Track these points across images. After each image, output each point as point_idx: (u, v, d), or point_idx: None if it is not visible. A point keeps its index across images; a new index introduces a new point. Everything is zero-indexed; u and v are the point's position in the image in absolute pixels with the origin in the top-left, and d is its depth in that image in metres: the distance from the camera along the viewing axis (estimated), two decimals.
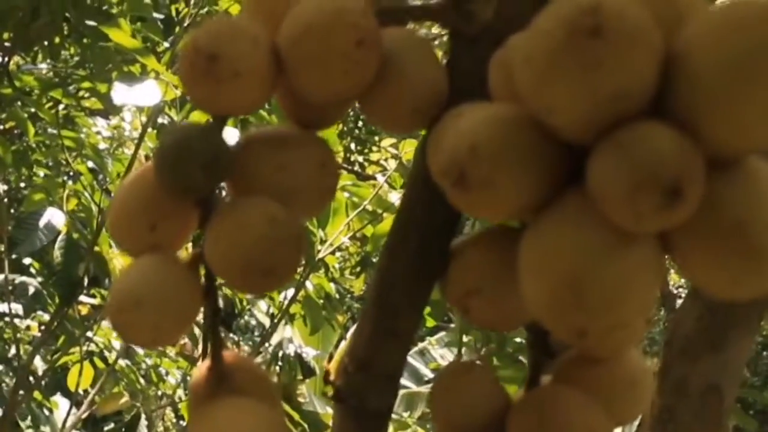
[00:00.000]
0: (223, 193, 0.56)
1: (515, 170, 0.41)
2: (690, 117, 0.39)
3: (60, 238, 2.28)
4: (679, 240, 0.41)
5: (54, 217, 2.30)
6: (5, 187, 2.84)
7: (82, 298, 3.15)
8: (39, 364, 3.34)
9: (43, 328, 2.84)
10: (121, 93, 1.87)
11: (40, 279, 2.92)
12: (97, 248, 2.24)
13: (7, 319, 3.30)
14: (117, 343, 2.69)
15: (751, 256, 0.39)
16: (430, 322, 2.32)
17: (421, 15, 0.58)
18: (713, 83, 0.37)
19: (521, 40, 0.42)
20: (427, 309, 2.68)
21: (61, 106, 2.75)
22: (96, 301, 3.15)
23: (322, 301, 2.46)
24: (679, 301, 1.04)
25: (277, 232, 0.51)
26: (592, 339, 0.41)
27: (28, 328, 3.22)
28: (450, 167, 0.42)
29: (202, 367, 0.55)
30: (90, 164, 2.75)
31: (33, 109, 2.63)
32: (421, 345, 3.37)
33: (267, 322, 3.01)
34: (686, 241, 0.40)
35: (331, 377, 0.60)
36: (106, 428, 3.24)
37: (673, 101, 0.39)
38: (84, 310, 3.16)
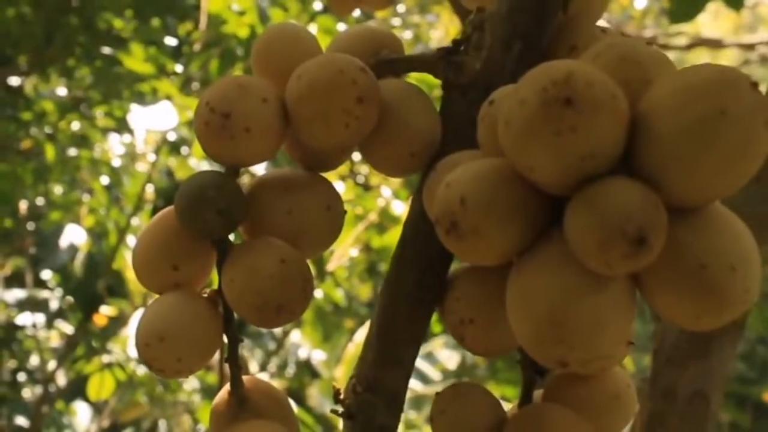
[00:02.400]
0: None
1: (502, 220, 0.45)
2: (653, 173, 0.42)
3: (79, 253, 2.32)
4: (646, 280, 0.44)
5: (74, 234, 2.34)
6: (26, 205, 2.90)
7: (100, 310, 3.19)
8: (60, 374, 3.38)
9: (64, 340, 2.88)
10: (137, 116, 1.91)
11: (60, 292, 2.96)
12: (114, 264, 2.28)
13: (28, 331, 3.35)
14: (135, 353, 2.72)
15: (711, 294, 0.42)
16: (437, 328, 2.36)
17: (415, 66, 0.62)
18: (672, 145, 0.41)
19: (504, 100, 0.46)
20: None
21: (76, 126, 2.79)
22: (114, 313, 3.20)
23: (331, 309, 2.50)
24: None
25: (287, 272, 0.55)
26: (575, 368, 0.44)
27: (47, 339, 3.27)
28: (442, 217, 0.46)
29: (222, 392, 0.59)
30: (105, 181, 2.80)
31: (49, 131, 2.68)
32: (427, 347, 3.41)
33: (278, 328, 3.04)
34: (653, 281, 0.44)
35: (341, 396, 0.64)
36: None
37: (638, 158, 0.43)
38: (102, 321, 3.21)
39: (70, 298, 2.47)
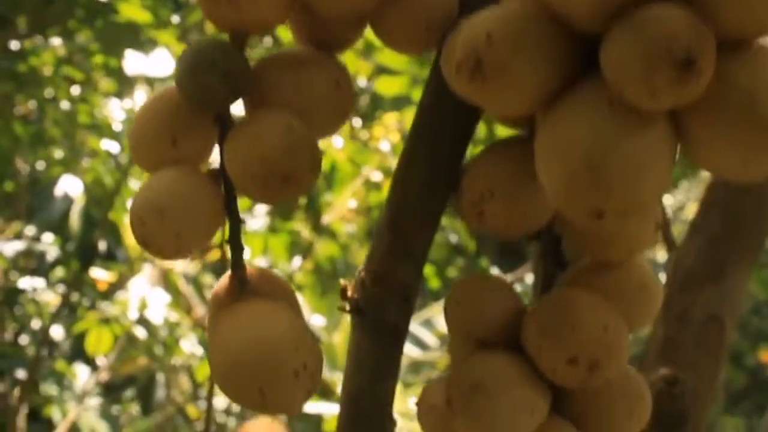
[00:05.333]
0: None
1: (531, 55, 0.40)
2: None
3: (76, 205, 2.26)
4: (690, 122, 0.40)
5: (70, 185, 2.29)
6: (28, 168, 2.85)
7: (99, 275, 3.15)
8: (59, 331, 3.34)
9: (61, 293, 2.84)
10: (133, 63, 1.86)
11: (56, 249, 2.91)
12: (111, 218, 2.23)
13: (29, 295, 3.31)
14: (134, 312, 2.68)
15: (761, 129, 0.38)
16: (434, 283, 2.31)
17: None
18: None
19: None
20: (432, 268, 2.68)
21: (75, 90, 2.74)
22: (113, 279, 3.15)
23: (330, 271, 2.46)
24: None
25: (293, 141, 0.51)
26: (610, 220, 0.40)
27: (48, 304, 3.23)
28: (466, 56, 0.41)
29: (223, 279, 0.55)
30: (105, 147, 2.75)
31: (49, 96, 2.62)
32: (425, 313, 3.36)
33: None
34: (696, 122, 0.39)
35: (349, 293, 0.60)
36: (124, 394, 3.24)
37: None
38: (103, 287, 3.16)
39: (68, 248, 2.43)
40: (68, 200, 2.27)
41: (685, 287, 0.92)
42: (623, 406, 0.54)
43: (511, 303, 0.55)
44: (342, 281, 0.60)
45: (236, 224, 0.54)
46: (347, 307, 0.59)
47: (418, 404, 0.60)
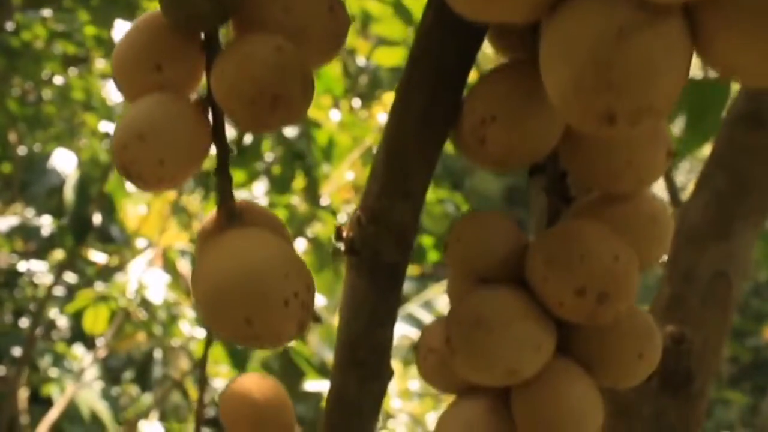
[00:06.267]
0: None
1: None
2: None
3: (70, 179, 2.23)
4: (706, 17, 0.37)
5: (64, 158, 2.25)
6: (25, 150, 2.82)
7: (96, 258, 3.12)
8: (58, 317, 3.32)
9: (56, 267, 2.80)
10: (122, 32, 1.81)
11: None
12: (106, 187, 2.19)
13: (26, 278, 3.28)
14: (133, 293, 2.66)
15: None
16: (433, 256, 2.28)
17: None
18: None
19: None
20: (430, 240, 2.64)
21: (72, 73, 2.70)
22: (112, 263, 3.12)
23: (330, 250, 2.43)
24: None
25: (284, 60, 0.47)
26: (622, 123, 0.37)
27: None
28: None
29: (211, 213, 0.52)
30: (101, 128, 2.72)
31: (45, 77, 2.59)
32: (425, 295, 3.33)
33: None
34: (713, 15, 0.36)
35: (344, 233, 0.57)
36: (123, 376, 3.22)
37: None
38: (100, 267, 3.13)
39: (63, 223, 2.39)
40: (62, 174, 2.23)
41: (691, 243, 0.88)
42: (632, 345, 0.51)
43: (514, 238, 0.52)
44: (335, 224, 0.57)
45: (224, 154, 0.51)
46: (342, 248, 0.56)
47: (416, 347, 0.57)
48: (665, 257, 0.90)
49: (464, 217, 0.54)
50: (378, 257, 0.55)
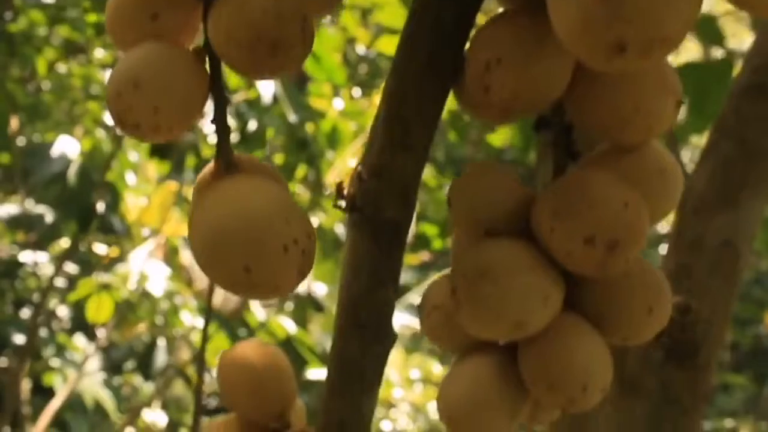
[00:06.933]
0: None
1: None
2: None
3: (73, 165, 2.21)
4: None
5: (67, 145, 2.23)
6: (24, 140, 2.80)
7: (100, 250, 3.11)
8: (61, 311, 3.31)
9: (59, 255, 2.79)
10: None
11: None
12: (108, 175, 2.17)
13: (29, 269, 3.27)
14: (134, 283, 2.64)
15: None
16: (438, 244, 2.26)
17: None
18: None
19: None
20: (434, 228, 2.63)
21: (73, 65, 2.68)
22: (114, 254, 3.10)
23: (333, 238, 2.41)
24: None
25: (284, 5, 0.46)
26: (632, 54, 0.35)
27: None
28: None
29: (208, 165, 0.50)
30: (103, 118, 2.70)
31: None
32: (428, 283, 3.30)
33: None
34: None
35: (345, 190, 0.55)
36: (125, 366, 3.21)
37: None
38: (104, 262, 3.11)
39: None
40: (65, 160, 2.21)
41: (697, 212, 0.87)
42: (642, 299, 0.49)
43: (520, 189, 0.50)
44: (335, 181, 0.56)
45: (222, 104, 0.49)
46: (342, 205, 0.55)
47: (420, 306, 0.55)
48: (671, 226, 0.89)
49: (467, 169, 0.53)
50: (380, 213, 0.54)
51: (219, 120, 0.49)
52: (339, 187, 0.55)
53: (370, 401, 0.57)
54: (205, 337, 1.74)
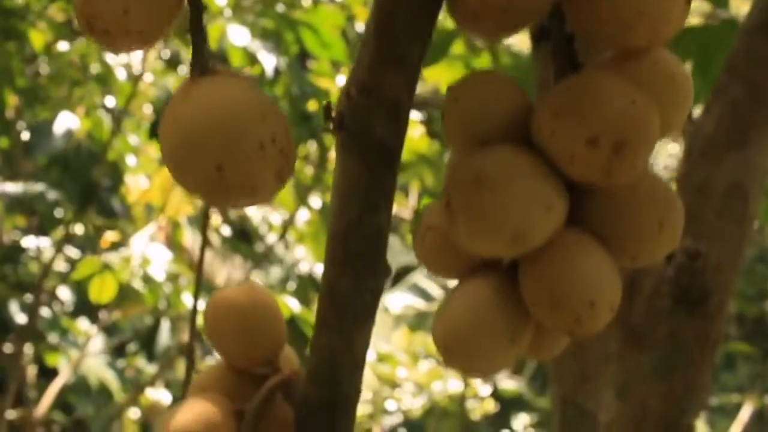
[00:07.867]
0: None
1: None
2: None
3: (75, 140, 2.18)
4: None
5: (69, 121, 2.19)
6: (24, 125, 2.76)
7: (101, 233, 3.08)
8: (64, 293, 3.28)
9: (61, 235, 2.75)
10: None
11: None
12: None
13: (32, 254, 3.24)
14: (136, 267, 2.61)
15: None
16: None
17: None
18: None
19: None
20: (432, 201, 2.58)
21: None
22: (117, 238, 3.07)
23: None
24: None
25: None
26: None
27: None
28: None
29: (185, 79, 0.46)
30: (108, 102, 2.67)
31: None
32: None
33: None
34: None
35: (333, 112, 0.51)
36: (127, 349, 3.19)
37: None
38: (106, 245, 3.08)
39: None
40: (69, 136, 2.17)
41: (705, 155, 0.83)
42: (652, 213, 0.45)
43: (518, 96, 0.46)
44: (325, 102, 0.52)
45: (198, 8, 0.45)
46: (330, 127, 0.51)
47: (414, 231, 0.51)
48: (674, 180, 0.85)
49: (463, 77, 0.49)
50: (370, 132, 0.50)
51: (194, 25, 0.45)
52: (327, 107, 0.51)
53: (362, 338, 0.54)
54: (195, 310, 1.69)
